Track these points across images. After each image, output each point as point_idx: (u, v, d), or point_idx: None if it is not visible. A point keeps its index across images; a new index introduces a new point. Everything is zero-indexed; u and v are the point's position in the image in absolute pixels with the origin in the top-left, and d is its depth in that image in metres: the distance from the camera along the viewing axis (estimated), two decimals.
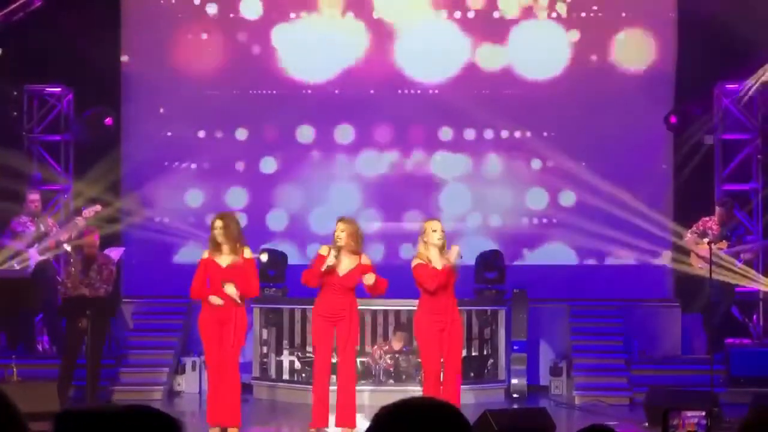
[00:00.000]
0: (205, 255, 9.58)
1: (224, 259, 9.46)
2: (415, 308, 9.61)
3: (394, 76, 14.21)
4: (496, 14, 14.24)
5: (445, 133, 14.24)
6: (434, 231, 9.34)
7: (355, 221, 9.61)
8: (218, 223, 9.50)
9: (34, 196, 13.11)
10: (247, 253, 9.55)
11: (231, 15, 14.39)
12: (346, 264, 9.40)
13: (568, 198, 14.17)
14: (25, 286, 12.40)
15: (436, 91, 14.24)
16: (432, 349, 9.29)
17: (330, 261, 9.26)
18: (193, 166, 14.34)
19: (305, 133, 14.32)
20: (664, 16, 14.12)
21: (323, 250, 9.39)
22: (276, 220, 14.33)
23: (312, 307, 9.89)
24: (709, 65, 13.54)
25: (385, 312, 12.34)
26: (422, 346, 9.62)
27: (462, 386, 9.91)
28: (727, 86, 13.84)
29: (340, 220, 9.50)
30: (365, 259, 9.49)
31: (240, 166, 14.38)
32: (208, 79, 14.32)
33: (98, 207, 12.37)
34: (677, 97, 13.97)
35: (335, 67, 14.28)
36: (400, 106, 14.14)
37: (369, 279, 9.29)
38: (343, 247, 9.33)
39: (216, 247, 9.49)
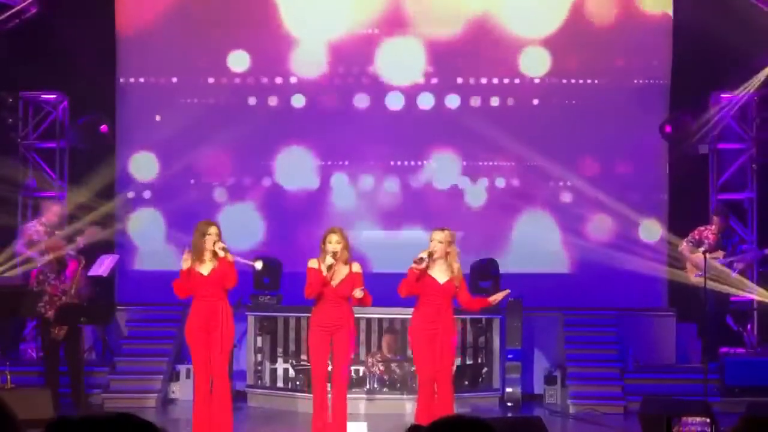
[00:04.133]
0: (185, 265, 9.45)
1: (205, 268, 9.40)
2: (407, 316, 9.70)
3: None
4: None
5: (440, 143, 14.23)
6: (431, 240, 9.36)
7: (344, 231, 9.55)
8: (214, 230, 9.45)
9: (57, 208, 12.87)
10: (229, 257, 9.48)
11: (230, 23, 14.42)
12: (339, 273, 9.38)
13: (562, 207, 14.17)
14: (24, 292, 12.37)
15: (431, 98, 14.28)
16: (423, 357, 9.29)
17: (329, 261, 9.22)
18: (188, 174, 14.32)
19: (299, 144, 14.33)
20: (659, 26, 14.14)
21: (312, 263, 9.36)
22: (273, 228, 14.34)
23: (306, 315, 9.88)
24: (704, 74, 13.58)
25: (380, 320, 12.36)
26: (413, 354, 9.65)
27: (456, 395, 9.90)
28: (722, 95, 13.85)
29: (333, 231, 9.41)
30: (356, 267, 9.45)
31: (234, 175, 14.38)
32: (205, 88, 14.33)
33: (95, 231, 12.48)
34: (672, 106, 14.00)
35: (338, 77, 14.31)
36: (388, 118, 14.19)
37: (358, 293, 9.29)
38: (338, 259, 9.29)
39: (199, 255, 9.41)
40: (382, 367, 12.03)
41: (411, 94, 14.27)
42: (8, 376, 10.94)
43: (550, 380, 12.93)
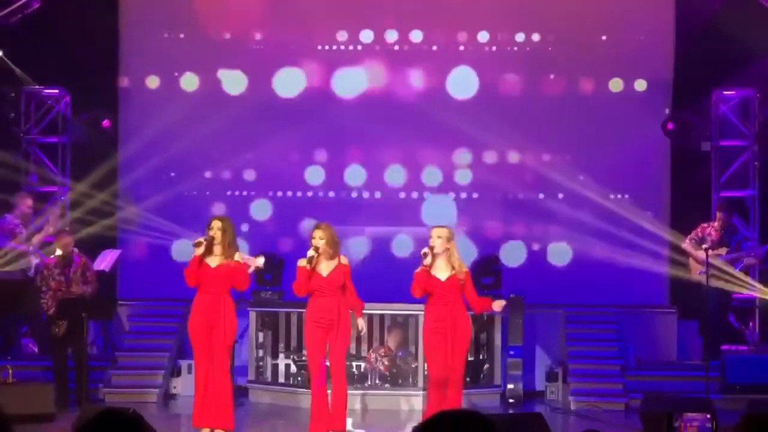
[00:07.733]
0: (198, 251, 9.46)
1: (214, 260, 9.43)
2: (411, 312, 9.77)
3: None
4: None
5: (444, 142, 14.22)
6: (430, 238, 9.44)
7: (330, 227, 9.67)
8: (216, 224, 9.48)
9: (30, 201, 13.03)
10: (238, 257, 9.54)
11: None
12: (327, 266, 9.49)
13: (564, 204, 14.16)
14: (27, 287, 12.38)
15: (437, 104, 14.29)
16: (435, 357, 9.32)
17: (309, 254, 9.34)
18: (191, 169, 14.31)
19: (307, 137, 14.33)
20: (662, 24, 14.12)
21: (302, 262, 9.45)
22: (275, 223, 14.35)
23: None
24: (706, 72, 13.57)
25: (381, 316, 12.35)
26: (426, 354, 9.72)
27: None
28: (724, 93, 13.86)
29: (317, 227, 9.58)
30: (344, 260, 9.62)
31: (238, 169, 14.39)
32: (207, 83, 14.34)
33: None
34: (675, 103, 13.99)
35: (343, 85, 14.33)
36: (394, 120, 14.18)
37: (360, 324, 9.72)
38: (321, 254, 9.40)
39: (208, 248, 9.45)
40: (386, 362, 12.03)
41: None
42: (10, 371, 10.95)
43: (551, 377, 12.93)
